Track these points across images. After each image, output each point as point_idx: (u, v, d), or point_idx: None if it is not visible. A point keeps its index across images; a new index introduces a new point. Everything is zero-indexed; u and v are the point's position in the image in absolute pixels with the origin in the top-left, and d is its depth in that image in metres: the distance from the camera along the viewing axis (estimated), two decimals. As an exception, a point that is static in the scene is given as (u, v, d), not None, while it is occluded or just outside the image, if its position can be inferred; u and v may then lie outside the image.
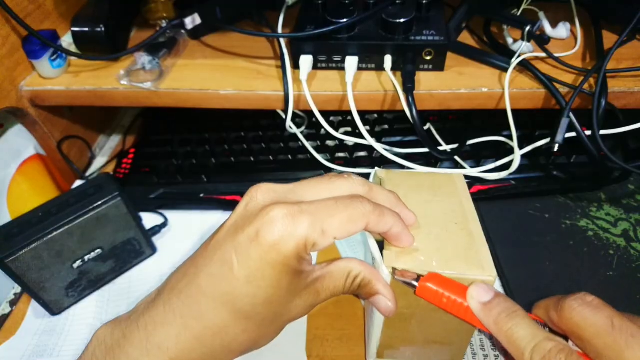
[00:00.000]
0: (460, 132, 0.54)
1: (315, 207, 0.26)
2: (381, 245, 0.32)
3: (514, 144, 0.45)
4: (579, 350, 0.26)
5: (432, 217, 0.33)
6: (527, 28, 0.45)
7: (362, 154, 0.54)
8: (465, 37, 0.53)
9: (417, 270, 0.29)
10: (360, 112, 0.45)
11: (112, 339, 0.27)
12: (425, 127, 0.55)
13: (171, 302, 0.26)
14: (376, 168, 0.38)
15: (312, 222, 0.25)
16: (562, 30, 0.51)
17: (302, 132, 0.55)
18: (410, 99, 0.43)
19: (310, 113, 0.47)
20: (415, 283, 0.29)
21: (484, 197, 0.49)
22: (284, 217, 0.25)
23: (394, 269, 0.29)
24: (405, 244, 0.30)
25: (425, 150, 0.51)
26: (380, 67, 0.47)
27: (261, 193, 0.27)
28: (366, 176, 0.50)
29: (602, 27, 0.51)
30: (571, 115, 0.43)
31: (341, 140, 0.54)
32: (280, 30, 0.51)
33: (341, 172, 0.30)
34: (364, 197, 0.28)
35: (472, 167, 0.50)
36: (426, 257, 0.30)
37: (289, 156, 0.54)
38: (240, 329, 0.26)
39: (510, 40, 0.50)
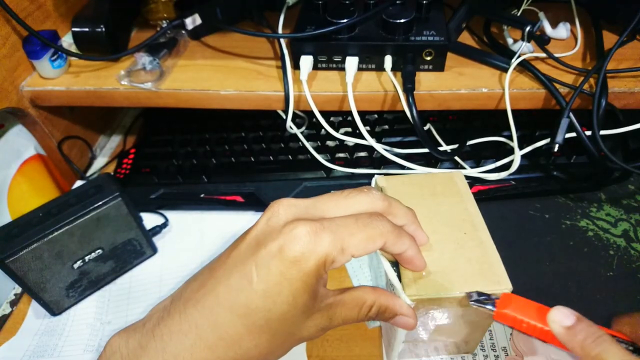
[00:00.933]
0: (460, 133, 0.54)
1: (337, 225, 0.26)
2: (393, 264, 0.32)
3: (514, 144, 0.45)
4: None
5: (441, 230, 0.33)
6: (527, 28, 0.45)
7: (362, 154, 0.54)
8: (465, 38, 0.53)
9: (438, 294, 0.30)
10: (360, 113, 0.45)
11: (128, 349, 0.27)
12: (425, 128, 0.55)
13: (187, 311, 0.27)
14: (376, 176, 0.38)
15: (333, 239, 0.26)
16: (562, 31, 0.51)
17: (302, 133, 0.55)
18: (410, 99, 0.43)
19: (310, 113, 0.47)
20: (491, 308, 0.29)
21: (484, 197, 0.49)
22: (306, 234, 0.25)
23: (468, 294, 0.30)
24: (416, 268, 0.30)
25: (425, 150, 0.51)
26: (380, 68, 0.47)
27: (283, 208, 0.28)
28: (366, 176, 0.51)
29: (602, 27, 0.51)
30: (571, 115, 0.43)
31: (341, 141, 0.54)
32: (280, 30, 0.51)
33: (361, 186, 0.30)
34: (383, 214, 0.28)
35: (472, 167, 0.50)
36: (443, 279, 0.30)
37: (289, 156, 0.54)
38: (253, 343, 0.26)
39: (510, 41, 0.50)
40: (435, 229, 0.33)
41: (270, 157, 0.54)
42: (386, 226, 0.27)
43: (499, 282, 0.30)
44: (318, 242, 0.25)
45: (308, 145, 0.53)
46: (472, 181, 0.49)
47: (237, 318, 0.26)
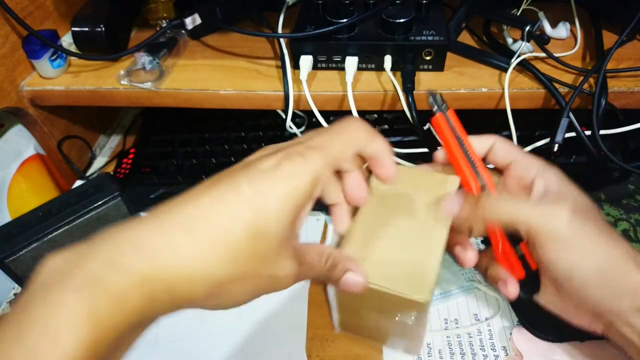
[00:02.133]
0: (460, 132, 0.54)
1: (317, 142, 0.26)
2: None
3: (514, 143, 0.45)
4: None
5: (399, 223, 0.33)
6: (527, 28, 0.45)
7: (362, 154, 0.54)
8: (465, 37, 0.53)
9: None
10: (360, 112, 0.45)
11: (65, 263, 0.21)
12: (425, 127, 0.55)
13: (160, 220, 0.24)
14: None
15: (321, 155, 0.25)
16: (562, 30, 0.51)
17: (302, 132, 0.55)
18: (410, 99, 0.43)
19: (310, 113, 0.47)
20: (437, 109, 0.34)
21: (484, 197, 0.49)
22: (296, 154, 0.25)
23: (430, 91, 0.34)
24: (388, 176, 0.30)
25: (425, 150, 0.51)
26: (380, 67, 0.47)
27: (267, 148, 0.28)
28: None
29: (602, 27, 0.51)
30: (571, 115, 0.43)
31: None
32: (280, 30, 0.51)
33: None
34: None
35: (472, 167, 0.50)
36: (374, 269, 0.30)
37: (289, 156, 0.54)
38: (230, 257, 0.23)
39: (510, 40, 0.50)
40: (395, 221, 0.33)
41: (270, 157, 0.54)
42: (362, 125, 0.28)
43: (418, 291, 0.30)
44: (309, 159, 0.25)
45: (308, 145, 0.53)
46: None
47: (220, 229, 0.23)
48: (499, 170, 0.36)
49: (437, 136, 0.35)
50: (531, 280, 0.33)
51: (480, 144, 0.35)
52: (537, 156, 0.34)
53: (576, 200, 0.32)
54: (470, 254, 0.34)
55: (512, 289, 0.33)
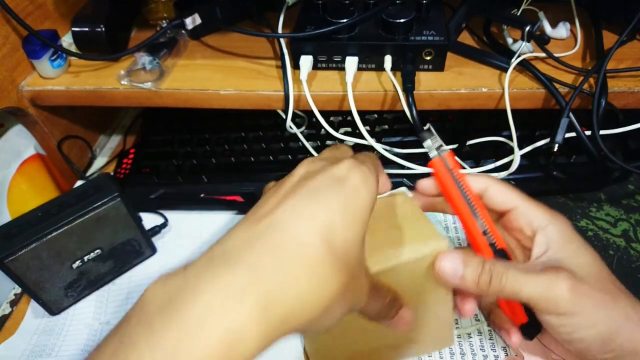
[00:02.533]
0: (460, 132, 0.54)
1: (363, 160, 0.27)
2: None
3: (514, 144, 0.45)
4: None
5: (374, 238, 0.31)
6: (527, 28, 0.45)
7: (362, 154, 0.54)
8: (465, 37, 0.53)
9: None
10: (360, 112, 0.45)
11: (165, 293, 0.21)
12: (425, 127, 0.55)
13: (252, 245, 0.23)
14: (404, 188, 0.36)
15: (370, 168, 0.26)
16: (562, 30, 0.51)
17: (302, 132, 0.55)
18: (410, 99, 0.43)
19: (310, 113, 0.47)
20: (435, 153, 0.31)
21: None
22: (356, 166, 0.26)
23: (425, 132, 0.32)
24: (387, 187, 0.31)
25: (425, 150, 0.51)
26: (380, 67, 0.47)
27: (315, 160, 0.27)
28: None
29: (602, 27, 0.51)
30: (571, 115, 0.43)
31: (341, 141, 0.54)
32: (280, 30, 0.51)
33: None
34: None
35: (472, 167, 0.50)
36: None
37: (289, 156, 0.54)
38: (335, 273, 0.22)
39: (510, 40, 0.50)
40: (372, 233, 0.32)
41: (270, 157, 0.54)
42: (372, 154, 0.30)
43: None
44: (366, 171, 0.26)
45: (308, 145, 0.53)
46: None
47: (320, 241, 0.22)
48: (495, 212, 0.34)
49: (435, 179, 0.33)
50: (533, 322, 0.32)
51: (473, 185, 0.33)
52: (540, 204, 0.33)
53: (578, 261, 0.31)
54: (469, 305, 0.33)
55: (515, 339, 0.33)
